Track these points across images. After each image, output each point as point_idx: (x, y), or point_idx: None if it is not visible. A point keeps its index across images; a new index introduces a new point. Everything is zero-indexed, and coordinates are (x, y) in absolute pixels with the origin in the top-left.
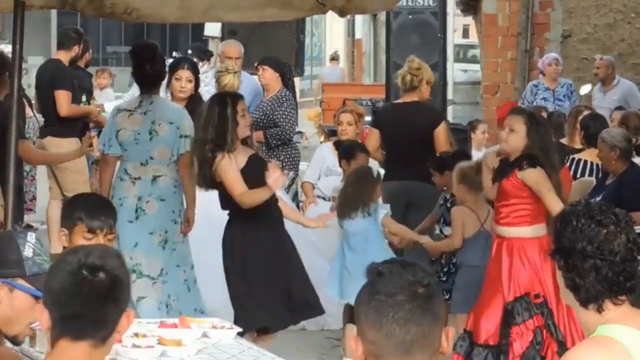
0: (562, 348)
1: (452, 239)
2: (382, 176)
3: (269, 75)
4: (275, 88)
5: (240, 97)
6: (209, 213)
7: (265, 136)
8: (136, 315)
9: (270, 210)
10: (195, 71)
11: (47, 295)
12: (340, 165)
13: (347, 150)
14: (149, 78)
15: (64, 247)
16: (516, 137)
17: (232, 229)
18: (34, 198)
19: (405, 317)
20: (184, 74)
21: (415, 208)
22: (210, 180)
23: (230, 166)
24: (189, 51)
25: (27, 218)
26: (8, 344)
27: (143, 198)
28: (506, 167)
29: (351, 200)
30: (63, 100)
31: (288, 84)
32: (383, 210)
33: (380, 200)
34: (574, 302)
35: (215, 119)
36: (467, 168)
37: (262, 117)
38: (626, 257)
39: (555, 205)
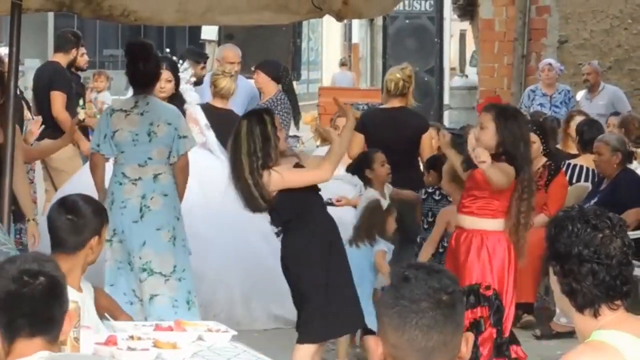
0: (500, 342)
1: (431, 237)
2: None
3: (262, 79)
4: (270, 92)
5: (272, 111)
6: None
7: None
8: (148, 314)
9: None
10: (174, 70)
11: None
12: (364, 175)
13: (363, 162)
14: (142, 77)
15: (91, 252)
16: (486, 134)
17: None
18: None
19: (428, 324)
20: (164, 74)
21: (400, 213)
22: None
23: (284, 174)
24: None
25: None
26: None
27: (147, 196)
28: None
29: (368, 231)
30: (58, 101)
31: (287, 88)
32: (382, 246)
33: (385, 203)
34: (570, 308)
35: (260, 137)
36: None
37: None
38: (622, 261)
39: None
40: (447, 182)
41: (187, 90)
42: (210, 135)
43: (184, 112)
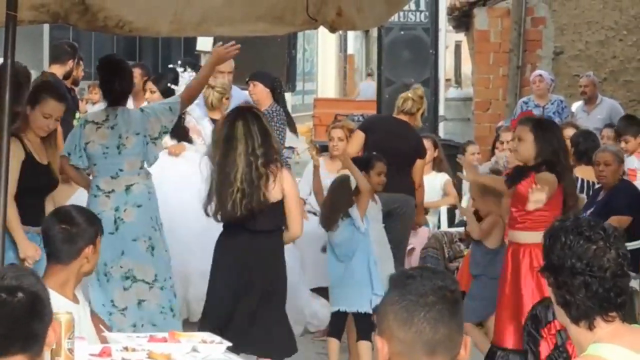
0: None
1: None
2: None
3: (260, 91)
4: (266, 103)
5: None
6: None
7: None
8: (139, 317)
9: None
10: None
11: None
12: None
13: (364, 162)
14: (118, 94)
15: (86, 262)
16: (525, 146)
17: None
18: None
19: (435, 317)
20: (147, 85)
21: (395, 219)
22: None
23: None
24: (179, 62)
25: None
26: None
27: (120, 208)
28: (521, 172)
29: (330, 212)
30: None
31: (279, 99)
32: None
33: (377, 209)
34: (565, 319)
35: (258, 133)
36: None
37: None
38: (616, 273)
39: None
40: (479, 199)
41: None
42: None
43: (185, 126)
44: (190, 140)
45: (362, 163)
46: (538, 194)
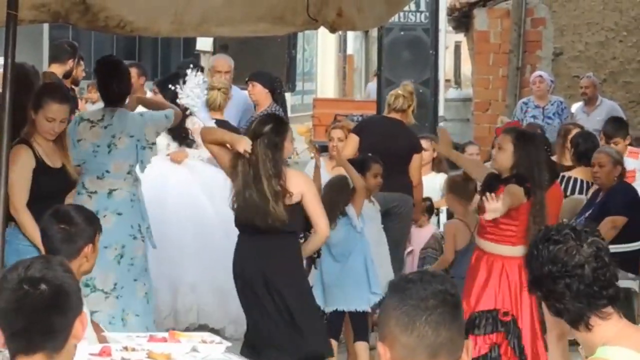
0: None
1: (445, 255)
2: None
3: (259, 91)
4: (265, 103)
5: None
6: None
7: None
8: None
9: None
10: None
11: None
12: None
13: (360, 164)
14: (115, 95)
15: (86, 261)
16: (504, 156)
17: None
18: None
19: (437, 320)
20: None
21: (393, 218)
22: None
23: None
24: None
25: None
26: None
27: (100, 212)
28: (495, 182)
29: (328, 211)
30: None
31: (278, 99)
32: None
33: (374, 209)
34: (567, 326)
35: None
36: (456, 177)
37: None
38: (596, 267)
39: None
40: (447, 194)
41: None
42: None
43: (187, 127)
44: (190, 143)
45: (358, 165)
46: (494, 204)
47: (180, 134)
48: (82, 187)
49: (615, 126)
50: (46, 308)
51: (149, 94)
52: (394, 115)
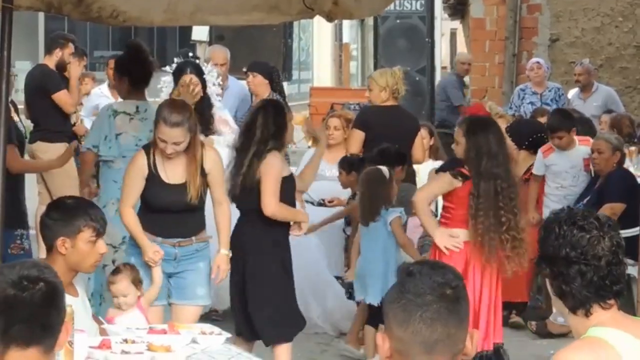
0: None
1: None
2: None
3: (259, 82)
4: (264, 94)
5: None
6: None
7: None
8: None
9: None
10: (199, 74)
11: None
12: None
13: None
14: (140, 80)
15: (60, 254)
16: (459, 149)
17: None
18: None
19: (432, 317)
20: (191, 78)
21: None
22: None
23: (279, 167)
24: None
25: None
26: None
27: None
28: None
29: (371, 205)
30: (65, 100)
31: (276, 88)
32: (395, 212)
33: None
34: (564, 309)
35: (272, 123)
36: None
37: None
38: (611, 261)
39: (414, 196)
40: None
41: (211, 95)
42: None
43: (212, 116)
44: (214, 131)
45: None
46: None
47: (204, 122)
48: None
49: (558, 119)
50: (46, 303)
51: None
52: (391, 101)
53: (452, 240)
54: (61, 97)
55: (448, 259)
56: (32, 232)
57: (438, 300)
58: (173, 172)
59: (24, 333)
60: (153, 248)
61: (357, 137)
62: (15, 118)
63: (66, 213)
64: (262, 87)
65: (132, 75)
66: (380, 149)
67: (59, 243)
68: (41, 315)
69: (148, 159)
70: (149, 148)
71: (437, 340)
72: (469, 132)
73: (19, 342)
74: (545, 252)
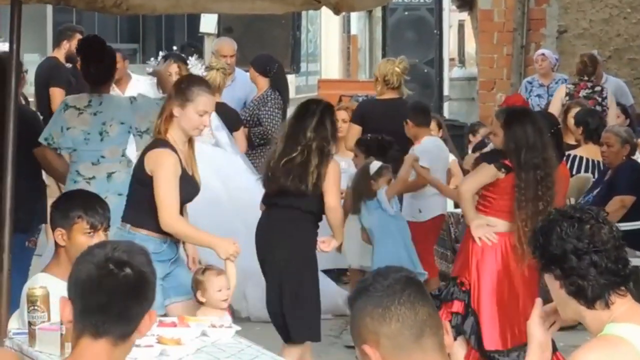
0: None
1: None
2: (383, 169)
3: (252, 75)
4: (262, 87)
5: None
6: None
7: (250, 135)
8: None
9: None
10: (183, 63)
11: (71, 286)
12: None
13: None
14: (94, 78)
15: (61, 246)
16: (497, 140)
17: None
18: None
19: (409, 300)
20: (171, 67)
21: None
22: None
23: (338, 172)
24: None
25: None
26: (7, 344)
27: (101, 195)
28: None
29: (354, 196)
30: (57, 98)
31: (276, 81)
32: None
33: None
34: (578, 311)
35: (316, 124)
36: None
37: (249, 116)
38: (616, 245)
39: (460, 185)
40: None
41: None
42: (222, 136)
43: None
44: None
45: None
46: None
47: None
48: (78, 175)
49: (416, 113)
50: (127, 292)
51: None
52: (390, 94)
53: (487, 232)
54: (54, 94)
55: (480, 248)
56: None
57: (406, 286)
58: (185, 162)
59: (98, 322)
60: (229, 241)
61: (354, 131)
62: None
63: (63, 205)
64: (256, 80)
65: (90, 73)
66: (361, 138)
67: (57, 234)
68: (119, 304)
69: (177, 155)
70: (168, 143)
71: (423, 322)
72: (507, 123)
73: (91, 331)
74: (551, 254)
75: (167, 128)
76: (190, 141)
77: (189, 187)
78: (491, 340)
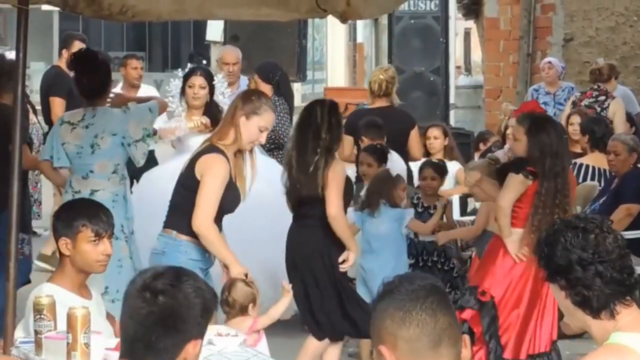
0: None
1: (475, 227)
2: (403, 178)
3: (257, 82)
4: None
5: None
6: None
7: None
8: None
9: None
10: (209, 78)
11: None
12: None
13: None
14: (88, 91)
15: (66, 256)
16: (519, 147)
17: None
18: (39, 204)
19: (431, 307)
20: (197, 80)
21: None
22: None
23: (343, 174)
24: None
25: (33, 224)
26: (14, 352)
27: None
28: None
29: (372, 197)
30: (56, 107)
31: (280, 89)
32: (408, 216)
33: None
34: (584, 320)
35: (327, 125)
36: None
37: None
38: (621, 254)
39: (499, 200)
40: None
41: (221, 101)
42: None
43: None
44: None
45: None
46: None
47: (212, 112)
48: (69, 186)
49: (368, 126)
50: (153, 324)
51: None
52: (380, 102)
53: (521, 250)
54: (54, 103)
55: (510, 262)
56: (45, 233)
57: (431, 293)
58: (232, 171)
59: (131, 350)
60: (244, 268)
61: (347, 142)
62: (34, 119)
63: (66, 214)
64: (260, 88)
65: (83, 86)
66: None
67: (61, 244)
68: (148, 334)
69: (229, 163)
70: (220, 149)
71: (443, 330)
72: (532, 130)
73: (127, 357)
74: (556, 265)
75: (222, 136)
76: (240, 152)
77: (232, 197)
78: (510, 350)
